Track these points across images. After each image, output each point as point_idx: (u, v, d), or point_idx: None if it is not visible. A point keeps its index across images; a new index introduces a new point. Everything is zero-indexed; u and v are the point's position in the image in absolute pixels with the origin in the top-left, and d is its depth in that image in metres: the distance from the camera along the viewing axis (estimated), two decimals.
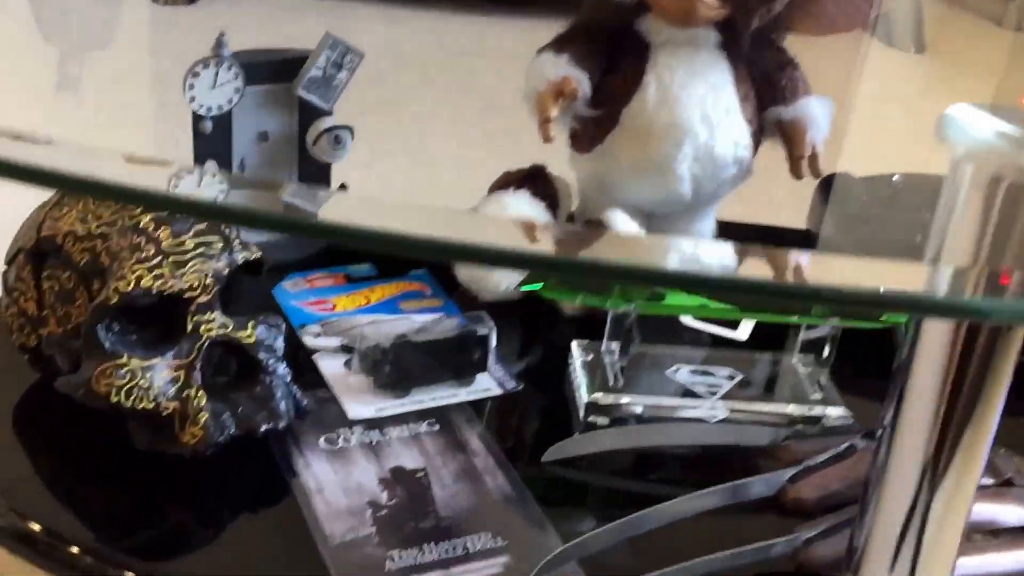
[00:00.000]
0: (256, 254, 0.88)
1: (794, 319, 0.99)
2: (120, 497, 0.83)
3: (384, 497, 0.84)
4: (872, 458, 0.63)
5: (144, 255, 0.82)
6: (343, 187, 1.13)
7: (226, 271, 0.85)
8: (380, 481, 0.86)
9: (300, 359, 0.97)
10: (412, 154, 2.06)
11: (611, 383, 0.95)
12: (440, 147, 2.15)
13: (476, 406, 0.95)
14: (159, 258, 0.82)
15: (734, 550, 0.77)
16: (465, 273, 1.07)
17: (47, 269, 0.86)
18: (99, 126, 2.01)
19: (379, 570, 0.78)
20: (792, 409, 0.96)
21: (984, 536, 0.79)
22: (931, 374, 0.57)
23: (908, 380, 0.58)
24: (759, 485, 0.82)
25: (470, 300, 1.06)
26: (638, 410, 0.94)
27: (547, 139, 1.03)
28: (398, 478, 0.86)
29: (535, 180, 1.12)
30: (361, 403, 0.93)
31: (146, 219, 0.84)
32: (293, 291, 1.06)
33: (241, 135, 1.06)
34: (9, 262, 0.89)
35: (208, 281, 0.84)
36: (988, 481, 0.84)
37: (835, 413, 0.95)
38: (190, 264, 0.83)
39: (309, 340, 0.99)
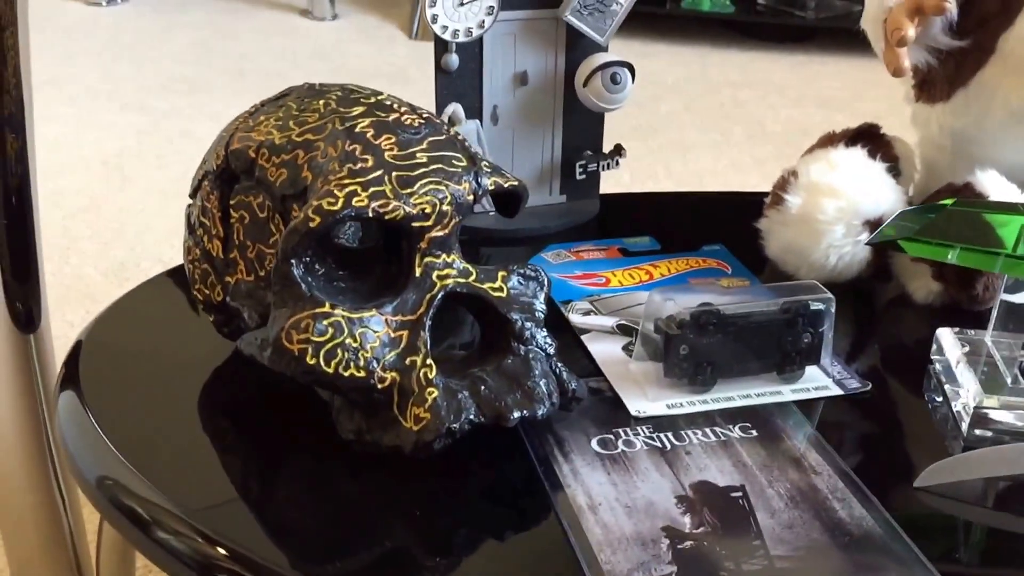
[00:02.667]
0: (512, 182, 0.61)
1: None
2: (317, 507, 0.55)
3: (687, 523, 0.54)
4: None
5: (359, 167, 0.55)
6: (619, 149, 0.84)
7: (470, 198, 0.57)
8: (679, 500, 0.55)
9: (565, 342, 0.69)
10: (677, 176, 1.77)
11: (1008, 385, 0.62)
12: (707, 169, 1.85)
13: (808, 410, 0.63)
14: (379, 172, 0.55)
15: None
16: (779, 245, 0.76)
17: (236, 196, 0.60)
18: None
19: None
20: None
21: None
22: None
23: None
24: None
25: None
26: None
27: (899, 70, 0.71)
28: (705, 498, 0.55)
29: (869, 139, 0.80)
30: (646, 397, 0.63)
31: (364, 123, 0.57)
32: (555, 263, 0.78)
33: (494, 75, 0.80)
34: (193, 194, 0.64)
35: (445, 208, 0.56)
36: None
37: None
38: (421, 184, 0.56)
39: (576, 319, 0.71)
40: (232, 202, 0.60)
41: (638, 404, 0.62)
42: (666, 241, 0.82)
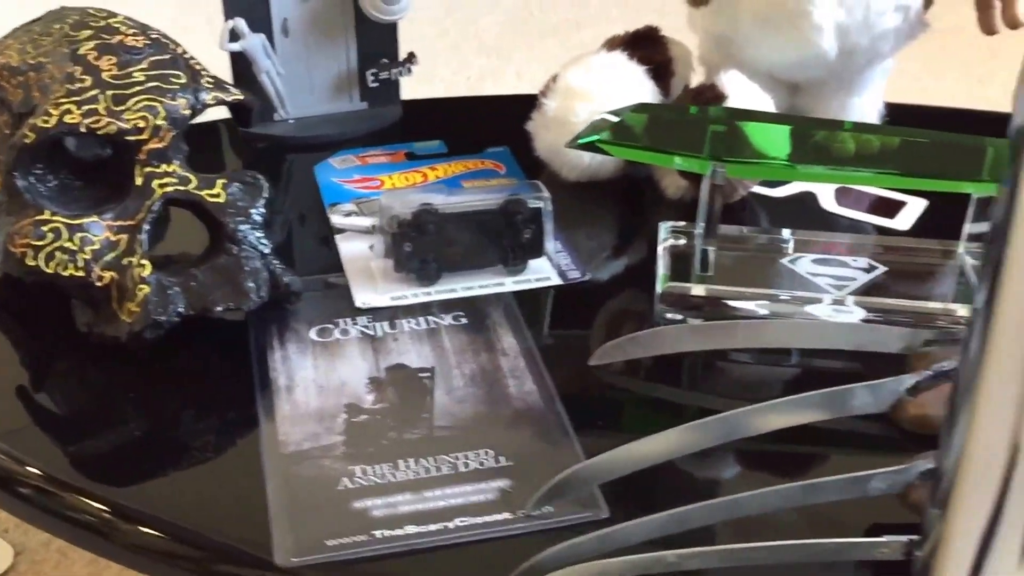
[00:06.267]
0: (236, 96, 0.69)
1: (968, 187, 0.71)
2: (75, 397, 0.64)
3: (369, 400, 0.63)
4: (961, 356, 0.36)
5: (77, 87, 0.64)
6: (411, 57, 0.92)
7: (187, 112, 0.66)
8: (370, 381, 0.64)
9: (325, 241, 0.77)
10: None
11: (698, 271, 0.70)
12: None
13: (529, 299, 0.72)
14: (96, 91, 0.64)
15: (808, 481, 0.52)
16: (543, 146, 0.84)
17: None
18: None
19: (329, 488, 0.57)
20: (952, 309, 0.68)
21: None
22: None
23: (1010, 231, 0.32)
24: (864, 396, 0.56)
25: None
26: (732, 305, 0.69)
27: None
28: (394, 378, 0.65)
29: (642, 42, 0.87)
30: (375, 290, 0.72)
31: (89, 46, 0.65)
32: (339, 168, 0.86)
33: None
34: None
35: (159, 123, 0.64)
36: None
37: None
38: (135, 101, 0.64)
39: (336, 219, 0.79)
40: None
41: (365, 297, 0.71)
42: (455, 144, 0.90)
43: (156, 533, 0.55)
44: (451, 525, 0.54)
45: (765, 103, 0.80)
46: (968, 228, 0.72)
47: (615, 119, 0.70)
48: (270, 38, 0.87)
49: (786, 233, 0.75)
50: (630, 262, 0.77)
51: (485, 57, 1.88)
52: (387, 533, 0.54)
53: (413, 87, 0.94)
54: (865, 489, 0.52)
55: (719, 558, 0.49)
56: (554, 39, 1.94)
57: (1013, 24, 0.80)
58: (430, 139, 0.90)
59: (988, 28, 0.82)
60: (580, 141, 0.71)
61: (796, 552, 0.49)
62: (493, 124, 0.95)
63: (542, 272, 0.74)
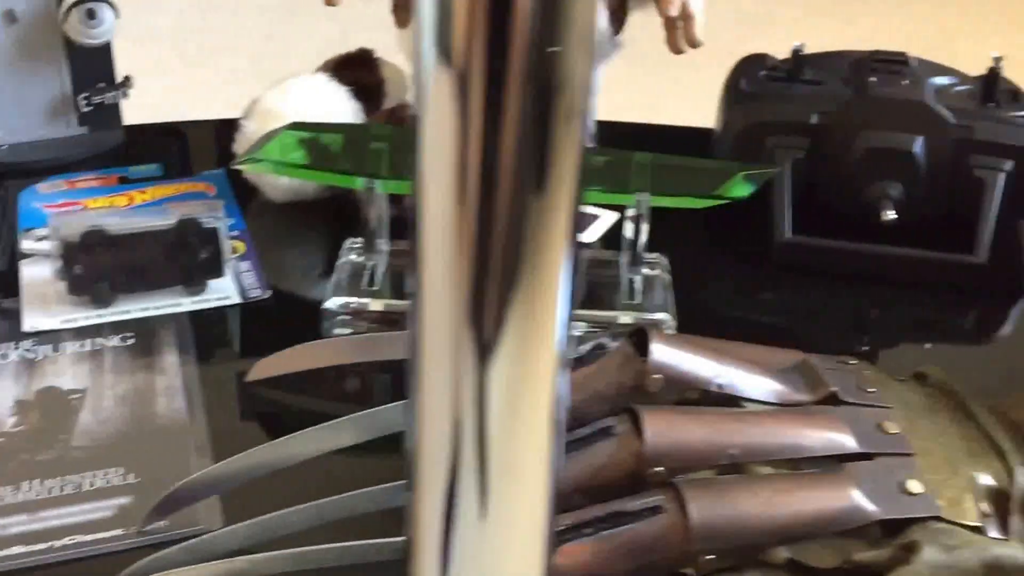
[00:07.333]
0: None
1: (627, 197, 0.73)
2: None
3: (10, 423, 0.63)
4: (407, 342, 0.38)
5: None
6: (127, 80, 0.92)
7: None
8: (16, 404, 0.64)
9: (12, 266, 0.77)
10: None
11: (363, 286, 0.72)
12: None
13: (207, 318, 0.72)
14: None
15: (398, 483, 0.53)
16: (248, 169, 0.85)
17: None
18: None
19: None
20: (613, 317, 0.70)
21: (779, 467, 0.53)
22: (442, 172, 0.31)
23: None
24: None
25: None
26: (397, 318, 0.70)
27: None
28: (43, 401, 0.64)
29: (353, 65, 0.89)
30: (47, 313, 0.71)
31: None
32: (45, 193, 0.85)
33: None
34: None
35: None
36: (803, 397, 0.57)
37: (663, 319, 0.70)
38: None
39: (28, 244, 0.79)
40: None
41: (35, 320, 0.71)
42: (175, 168, 0.90)
43: None
44: (59, 544, 0.55)
45: None
46: (626, 239, 0.74)
47: (270, 140, 0.71)
48: None
49: None
50: (317, 279, 0.78)
51: None
52: None
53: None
54: None
55: (289, 561, 0.50)
56: None
57: (692, 44, 0.83)
58: (151, 163, 0.90)
59: (675, 48, 0.85)
60: (238, 162, 0.72)
61: (366, 552, 0.50)
62: (216, 147, 0.95)
63: (223, 291, 0.74)
